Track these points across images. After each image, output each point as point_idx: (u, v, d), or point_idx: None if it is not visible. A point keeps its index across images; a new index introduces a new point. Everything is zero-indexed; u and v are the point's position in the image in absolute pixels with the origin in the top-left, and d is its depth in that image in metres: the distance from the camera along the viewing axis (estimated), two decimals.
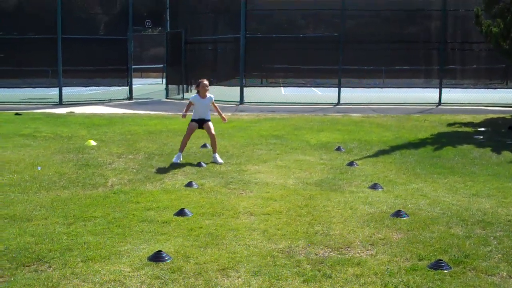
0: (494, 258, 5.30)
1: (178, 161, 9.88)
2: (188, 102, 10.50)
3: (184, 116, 10.35)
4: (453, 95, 22.08)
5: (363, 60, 22.98)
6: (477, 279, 4.80)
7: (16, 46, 22.55)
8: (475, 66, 22.99)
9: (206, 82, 10.31)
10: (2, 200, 7.26)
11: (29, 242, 5.58)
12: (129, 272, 4.88)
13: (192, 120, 10.31)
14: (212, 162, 9.89)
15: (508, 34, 15.07)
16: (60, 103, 21.36)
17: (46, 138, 12.44)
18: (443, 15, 21.75)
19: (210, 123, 10.23)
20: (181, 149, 10.14)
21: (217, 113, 10.61)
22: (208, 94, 10.28)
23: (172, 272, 4.87)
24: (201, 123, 10.25)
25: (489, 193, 7.81)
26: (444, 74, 22.15)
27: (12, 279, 4.72)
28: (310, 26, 25.77)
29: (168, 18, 25.36)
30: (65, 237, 5.76)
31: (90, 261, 5.11)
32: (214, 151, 10.11)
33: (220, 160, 9.96)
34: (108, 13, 26.34)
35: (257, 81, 24.71)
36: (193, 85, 26.66)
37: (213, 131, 10.10)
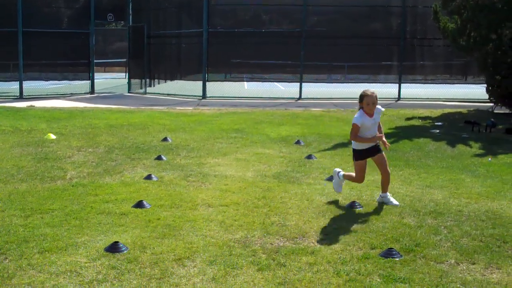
0: (444, 246, 5.47)
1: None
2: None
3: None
4: (412, 90, 22.48)
5: (325, 56, 23.23)
6: (426, 266, 4.97)
7: None
8: (434, 62, 23.43)
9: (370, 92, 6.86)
10: None
11: None
12: (86, 262, 4.92)
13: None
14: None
15: (465, 30, 15.40)
16: (21, 97, 21.08)
17: (5, 132, 12.31)
18: (403, 11, 22.11)
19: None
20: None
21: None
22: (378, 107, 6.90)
23: (128, 262, 4.93)
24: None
25: (442, 184, 8.03)
26: (403, 70, 22.53)
27: None
28: (273, 21, 25.91)
29: (130, 12, 25.22)
30: (22, 229, 5.76)
31: (47, 253, 5.13)
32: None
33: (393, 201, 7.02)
34: (70, 7, 26.08)
35: (220, 76, 24.77)
36: (156, 79, 26.63)
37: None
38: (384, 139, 6.95)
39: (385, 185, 7.02)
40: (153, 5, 25.96)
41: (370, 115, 6.82)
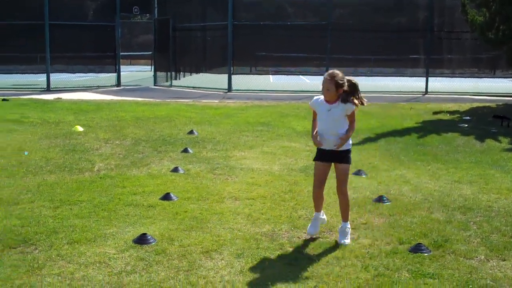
0: (473, 242, 5.41)
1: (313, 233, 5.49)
2: None
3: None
4: (440, 84, 22.23)
5: (351, 49, 23.08)
6: (455, 262, 4.91)
7: (3, 32, 22.50)
8: (462, 55, 23.13)
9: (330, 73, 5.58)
10: None
11: (16, 225, 5.64)
12: (114, 254, 4.96)
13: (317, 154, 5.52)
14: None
15: (493, 23, 15.20)
16: (48, 89, 21.32)
17: (33, 124, 12.45)
18: (430, 4, 21.85)
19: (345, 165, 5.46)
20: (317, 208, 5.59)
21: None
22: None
23: (156, 254, 4.95)
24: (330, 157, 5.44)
25: (471, 179, 7.93)
26: (431, 63, 22.28)
27: None
28: (299, 14, 25.81)
29: (156, 5, 25.31)
30: (51, 220, 5.82)
31: (76, 244, 5.17)
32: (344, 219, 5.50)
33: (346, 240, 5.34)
34: (96, 0, 26.27)
35: (246, 69, 24.75)
36: (182, 72, 26.71)
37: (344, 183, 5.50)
38: (339, 142, 5.26)
39: (342, 211, 5.50)
40: None
41: (327, 100, 5.39)
